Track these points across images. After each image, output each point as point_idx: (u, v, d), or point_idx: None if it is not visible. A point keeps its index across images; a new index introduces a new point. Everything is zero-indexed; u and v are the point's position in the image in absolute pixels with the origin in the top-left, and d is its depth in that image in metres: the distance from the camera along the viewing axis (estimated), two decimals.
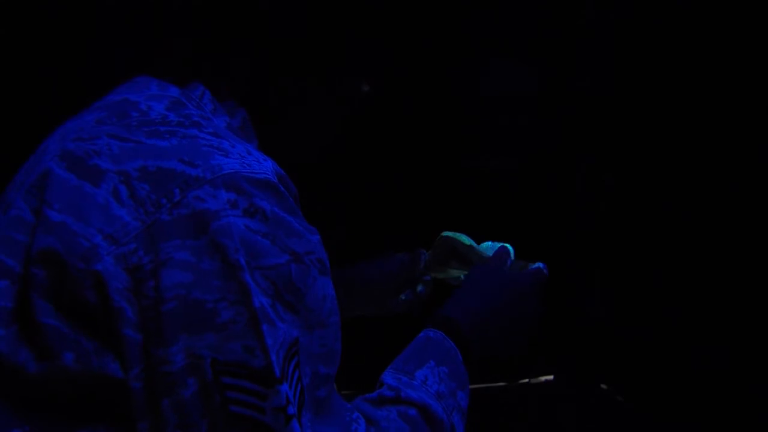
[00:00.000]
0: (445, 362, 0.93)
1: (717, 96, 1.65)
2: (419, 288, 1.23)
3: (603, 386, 2.07)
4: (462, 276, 1.19)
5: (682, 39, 1.70)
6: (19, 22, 1.57)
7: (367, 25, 0.96)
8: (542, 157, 2.03)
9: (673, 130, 1.78)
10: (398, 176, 1.97)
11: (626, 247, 1.96)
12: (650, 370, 1.89)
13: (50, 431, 0.76)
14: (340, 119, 0.99)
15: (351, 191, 1.92)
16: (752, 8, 1.54)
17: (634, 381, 1.97)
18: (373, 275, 1.26)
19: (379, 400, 0.87)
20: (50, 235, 0.77)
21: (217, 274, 0.75)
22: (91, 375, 0.75)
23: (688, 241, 1.76)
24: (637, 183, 1.90)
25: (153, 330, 0.74)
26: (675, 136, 1.78)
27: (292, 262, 0.78)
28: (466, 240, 1.19)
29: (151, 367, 0.75)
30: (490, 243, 1.19)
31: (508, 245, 1.16)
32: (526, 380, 2.13)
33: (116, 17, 1.59)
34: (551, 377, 2.16)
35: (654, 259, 1.86)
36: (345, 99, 0.98)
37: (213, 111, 0.90)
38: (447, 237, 1.21)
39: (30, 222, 0.79)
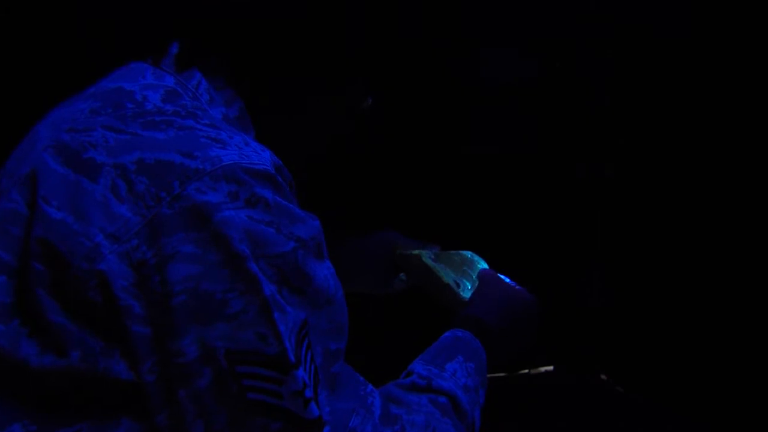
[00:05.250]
0: (473, 359, 0.97)
1: (718, 91, 1.65)
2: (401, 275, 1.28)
3: (603, 377, 2.07)
4: (427, 254, 1.22)
5: (682, 36, 1.70)
6: (17, 20, 1.57)
7: (367, 19, 0.95)
8: (542, 149, 2.03)
9: (673, 125, 1.78)
10: (397, 168, 1.97)
11: (626, 238, 1.96)
12: (650, 360, 1.89)
13: (53, 426, 0.76)
14: (341, 117, 0.98)
15: (350, 181, 1.92)
16: (753, 7, 1.53)
17: (634, 371, 1.98)
18: (358, 254, 1.27)
19: (411, 387, 0.90)
20: (50, 233, 0.76)
21: (223, 265, 0.75)
22: (97, 373, 0.75)
23: (687, 231, 1.76)
24: (637, 175, 1.90)
25: (163, 323, 0.75)
26: (675, 130, 1.77)
27: (299, 248, 0.78)
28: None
29: (165, 360, 0.75)
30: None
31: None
32: (526, 371, 2.13)
33: (110, 4, 1.58)
34: (551, 368, 2.17)
35: (654, 249, 1.86)
36: (346, 98, 0.97)
37: (209, 101, 0.88)
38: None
39: (25, 215, 0.79)
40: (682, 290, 1.77)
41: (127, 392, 0.76)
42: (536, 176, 2.04)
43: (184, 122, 0.81)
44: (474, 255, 1.22)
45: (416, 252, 1.22)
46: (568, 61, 1.97)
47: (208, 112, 0.86)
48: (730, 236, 1.64)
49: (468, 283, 1.18)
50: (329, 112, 0.97)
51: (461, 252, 1.22)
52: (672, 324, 1.81)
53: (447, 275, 1.18)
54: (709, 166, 1.69)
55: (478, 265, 1.20)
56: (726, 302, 1.65)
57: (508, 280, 1.16)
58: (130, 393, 0.76)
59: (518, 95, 1.98)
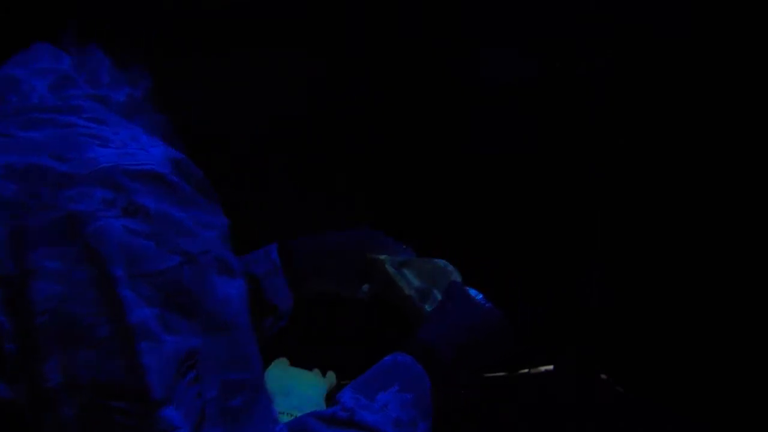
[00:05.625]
0: (411, 389, 0.88)
1: (718, 91, 1.64)
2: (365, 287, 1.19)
3: (603, 376, 2.07)
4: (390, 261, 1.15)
5: (682, 36, 1.69)
6: None
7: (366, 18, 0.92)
8: (542, 149, 2.03)
9: (673, 125, 1.77)
10: (396, 168, 1.96)
11: (626, 238, 1.95)
12: (650, 360, 1.89)
13: None
14: (283, 93, 0.90)
15: (348, 180, 1.92)
16: (753, 7, 1.53)
17: (634, 371, 1.97)
18: (329, 253, 1.19)
19: (330, 420, 0.82)
20: None
21: (92, 286, 0.69)
22: None
23: (688, 231, 1.75)
24: (637, 175, 1.90)
25: (28, 344, 0.69)
26: (675, 130, 1.77)
27: (185, 264, 0.71)
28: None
29: (31, 383, 0.70)
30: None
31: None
32: (526, 370, 2.13)
33: None
34: (551, 367, 2.16)
35: (654, 249, 1.86)
36: (287, 74, 0.90)
37: (110, 83, 0.81)
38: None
39: None
40: (682, 290, 1.77)
41: (13, 416, 0.70)
42: (536, 176, 2.04)
43: (66, 119, 0.75)
44: (448, 265, 1.12)
45: (382, 257, 1.13)
46: (568, 61, 1.96)
47: (108, 99, 0.80)
48: (731, 236, 1.64)
49: (438, 295, 1.09)
50: (268, 87, 0.88)
51: (435, 260, 1.13)
52: (672, 324, 1.81)
53: (409, 286, 1.09)
54: (709, 165, 1.68)
55: (450, 276, 1.11)
56: (726, 302, 1.65)
57: (479, 296, 1.05)
58: (17, 415, 0.71)
59: (518, 95, 1.97)
